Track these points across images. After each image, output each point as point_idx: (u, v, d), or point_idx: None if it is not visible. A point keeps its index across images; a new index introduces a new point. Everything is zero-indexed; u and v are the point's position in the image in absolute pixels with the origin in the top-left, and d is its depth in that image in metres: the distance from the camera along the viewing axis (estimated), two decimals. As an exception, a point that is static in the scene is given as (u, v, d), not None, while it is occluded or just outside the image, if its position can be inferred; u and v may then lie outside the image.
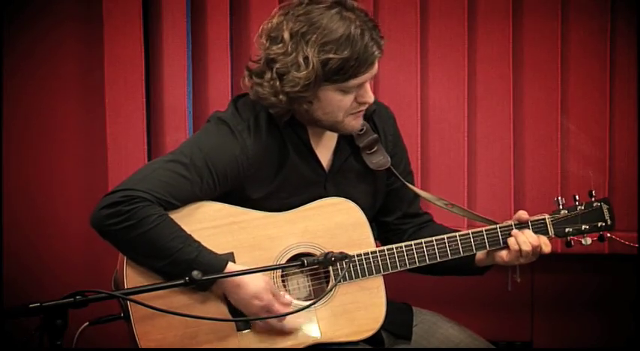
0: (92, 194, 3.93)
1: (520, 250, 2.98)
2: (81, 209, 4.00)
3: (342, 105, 2.88)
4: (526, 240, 2.97)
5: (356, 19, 2.82)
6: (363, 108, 2.92)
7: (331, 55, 2.79)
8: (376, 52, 2.84)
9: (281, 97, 2.85)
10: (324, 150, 3.01)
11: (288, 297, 2.87)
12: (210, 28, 3.92)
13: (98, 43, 3.92)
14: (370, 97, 2.90)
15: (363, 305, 2.93)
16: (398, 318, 3.06)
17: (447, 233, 3.00)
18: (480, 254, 3.05)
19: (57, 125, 4.05)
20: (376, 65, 2.87)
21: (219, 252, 2.85)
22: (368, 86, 2.89)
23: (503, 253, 3.01)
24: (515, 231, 2.99)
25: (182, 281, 2.56)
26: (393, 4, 3.85)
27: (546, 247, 3.00)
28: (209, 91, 3.94)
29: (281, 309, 2.84)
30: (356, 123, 2.94)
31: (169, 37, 3.89)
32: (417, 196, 3.17)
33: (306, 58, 2.80)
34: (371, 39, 2.82)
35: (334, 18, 2.81)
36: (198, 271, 2.60)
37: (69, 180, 4.06)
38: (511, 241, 2.99)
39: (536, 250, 2.98)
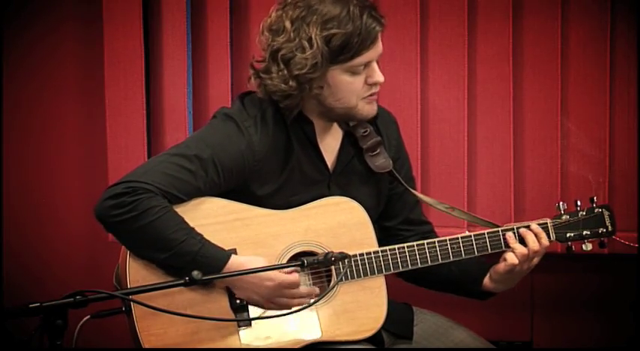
0: (92, 194, 3.92)
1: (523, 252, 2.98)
2: (81, 209, 4.00)
3: (353, 88, 2.89)
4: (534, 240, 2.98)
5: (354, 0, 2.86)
6: (375, 90, 2.93)
7: (334, 31, 2.82)
8: (377, 27, 2.87)
9: (291, 82, 2.86)
10: (329, 150, 3.02)
11: (296, 275, 2.88)
12: (210, 28, 3.92)
13: (98, 43, 3.93)
14: (380, 77, 2.91)
15: (365, 305, 2.93)
16: (398, 318, 3.06)
17: None
18: (487, 280, 3.05)
19: (57, 125, 4.05)
20: (380, 44, 2.89)
21: (222, 248, 2.86)
22: (376, 66, 2.91)
23: (509, 256, 2.99)
24: (523, 230, 2.99)
25: (182, 281, 2.56)
26: (393, 4, 3.85)
27: (545, 241, 3.00)
28: (209, 91, 3.94)
29: (291, 278, 2.83)
30: (370, 108, 2.94)
31: (169, 37, 3.90)
32: (418, 202, 3.17)
33: (309, 39, 2.83)
34: (370, 16, 2.85)
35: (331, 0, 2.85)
36: (202, 264, 2.63)
37: (69, 180, 4.06)
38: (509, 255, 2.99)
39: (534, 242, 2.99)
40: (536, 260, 2.99)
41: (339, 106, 2.92)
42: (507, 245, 2.99)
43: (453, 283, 3.10)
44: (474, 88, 3.90)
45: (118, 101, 3.90)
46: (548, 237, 3.02)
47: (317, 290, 2.89)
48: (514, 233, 2.99)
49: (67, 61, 4.04)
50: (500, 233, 3.00)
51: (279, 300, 2.84)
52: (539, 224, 3.02)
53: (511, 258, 2.97)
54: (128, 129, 3.90)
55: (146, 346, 2.82)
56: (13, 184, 4.04)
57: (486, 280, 3.05)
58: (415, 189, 3.17)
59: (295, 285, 2.85)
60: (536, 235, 2.99)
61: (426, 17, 3.89)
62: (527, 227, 3.01)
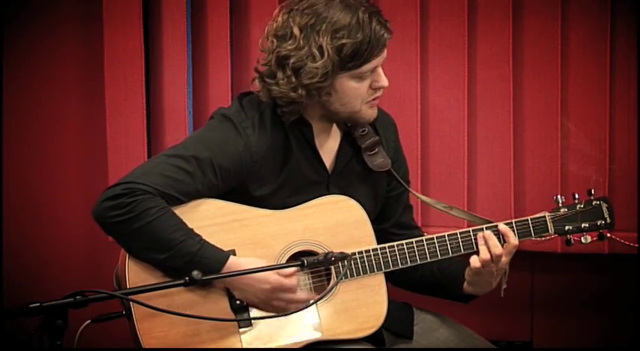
0: (92, 194, 3.93)
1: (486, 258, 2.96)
2: (81, 209, 4.00)
3: (359, 93, 2.90)
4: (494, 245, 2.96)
5: (360, 5, 2.86)
6: (379, 94, 2.94)
7: (344, 41, 2.82)
8: (386, 34, 2.87)
9: (300, 91, 2.86)
10: (327, 151, 3.02)
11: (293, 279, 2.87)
12: (210, 28, 3.92)
13: (98, 44, 3.93)
14: (385, 81, 2.92)
15: (365, 303, 2.94)
16: (398, 317, 3.06)
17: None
18: (466, 284, 3.03)
19: (57, 125, 4.05)
20: (386, 49, 2.90)
21: (221, 250, 2.86)
22: (381, 70, 2.92)
23: (472, 260, 2.98)
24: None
25: (182, 281, 2.55)
26: (393, 4, 3.85)
27: (514, 239, 2.98)
28: (209, 91, 3.94)
29: (290, 281, 2.83)
30: (372, 112, 2.96)
31: (169, 37, 3.90)
32: (410, 207, 3.17)
33: (320, 48, 2.82)
34: (378, 22, 2.86)
35: (339, 7, 2.85)
36: (201, 265, 2.62)
37: (69, 180, 4.06)
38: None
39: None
40: (505, 259, 2.95)
41: (343, 111, 2.93)
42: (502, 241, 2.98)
43: (435, 286, 3.09)
44: (474, 88, 3.90)
45: (118, 101, 3.90)
46: (547, 231, 3.01)
47: (314, 296, 2.89)
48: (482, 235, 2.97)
49: (67, 61, 4.04)
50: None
51: (276, 303, 2.84)
52: (536, 217, 3.02)
53: (474, 262, 2.95)
54: (128, 129, 3.90)
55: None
56: (13, 184, 4.04)
57: (465, 283, 3.04)
58: (408, 194, 3.17)
59: (293, 289, 2.85)
60: (503, 235, 2.97)
61: (426, 17, 3.89)
62: (495, 227, 2.99)
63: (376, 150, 3.05)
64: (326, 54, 2.82)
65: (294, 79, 2.86)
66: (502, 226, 2.97)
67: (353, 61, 2.85)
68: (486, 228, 2.98)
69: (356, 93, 2.90)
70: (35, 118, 4.05)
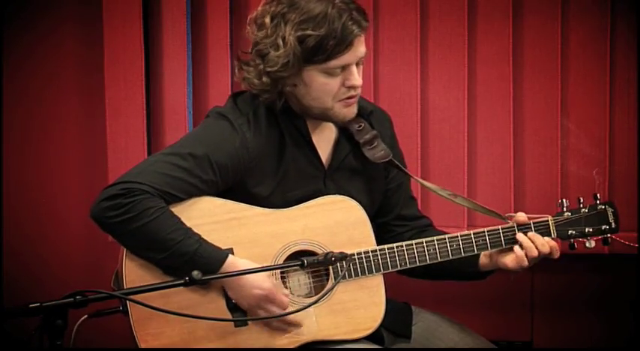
0: (92, 194, 3.92)
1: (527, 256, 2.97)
2: (81, 209, 3.99)
3: (329, 89, 2.88)
4: (532, 246, 2.96)
5: (338, 0, 2.83)
6: (353, 94, 2.91)
7: (308, 32, 2.81)
8: (355, 31, 2.83)
9: (264, 78, 2.87)
10: (324, 146, 3.02)
11: (285, 290, 2.88)
12: (210, 28, 3.92)
13: (98, 44, 3.93)
14: (356, 80, 2.88)
15: (362, 304, 2.93)
16: (397, 317, 3.06)
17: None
18: (483, 258, 3.04)
19: (57, 125, 4.05)
20: (361, 47, 2.86)
21: (219, 248, 2.86)
22: (354, 69, 2.88)
23: (507, 260, 2.99)
24: (521, 236, 2.97)
25: (182, 281, 2.55)
26: (393, 4, 3.86)
27: (557, 252, 2.98)
28: (209, 91, 3.94)
29: (282, 298, 2.84)
30: (347, 111, 2.93)
31: (169, 37, 3.90)
32: (413, 198, 3.17)
33: (283, 38, 2.82)
34: (350, 18, 2.82)
35: None
36: (199, 264, 2.63)
37: (69, 180, 4.06)
38: (517, 248, 2.97)
39: (544, 255, 2.97)
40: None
41: (315, 106, 2.92)
42: (508, 243, 2.99)
43: (449, 268, 3.04)
44: (474, 88, 3.90)
45: (118, 101, 3.90)
46: (549, 235, 3.01)
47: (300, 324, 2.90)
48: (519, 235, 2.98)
49: (67, 61, 4.04)
50: (501, 231, 2.99)
51: (261, 312, 2.84)
52: (539, 222, 3.01)
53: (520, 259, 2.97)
54: (128, 129, 3.90)
55: (142, 346, 2.83)
56: (13, 184, 4.04)
57: (485, 261, 3.03)
58: (410, 187, 3.17)
59: (282, 306, 2.85)
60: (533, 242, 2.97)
61: (426, 17, 3.89)
62: (528, 227, 2.99)
63: (375, 143, 3.04)
64: (288, 44, 2.81)
65: (260, 66, 2.86)
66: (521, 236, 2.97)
67: (317, 55, 2.82)
68: (489, 231, 2.97)
69: (325, 88, 2.88)
70: (35, 118, 4.05)
